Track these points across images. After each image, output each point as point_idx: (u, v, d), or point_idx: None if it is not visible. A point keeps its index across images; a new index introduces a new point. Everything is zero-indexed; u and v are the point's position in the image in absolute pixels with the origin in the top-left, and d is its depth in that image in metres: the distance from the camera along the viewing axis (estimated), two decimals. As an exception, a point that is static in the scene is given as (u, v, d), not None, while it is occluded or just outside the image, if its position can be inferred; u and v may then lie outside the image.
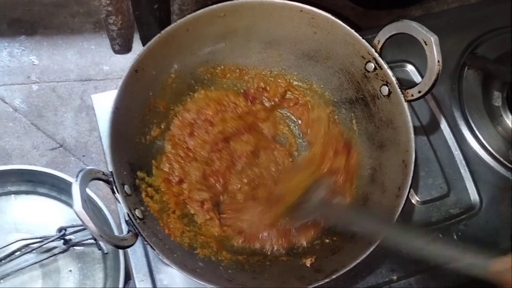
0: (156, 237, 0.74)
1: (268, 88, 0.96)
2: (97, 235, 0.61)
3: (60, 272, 1.27)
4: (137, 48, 0.83)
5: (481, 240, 0.93)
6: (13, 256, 1.24)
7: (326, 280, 0.71)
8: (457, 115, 1.02)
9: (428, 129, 1.01)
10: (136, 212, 0.72)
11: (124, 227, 0.71)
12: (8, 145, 1.77)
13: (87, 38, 1.94)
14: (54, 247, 1.27)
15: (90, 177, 0.67)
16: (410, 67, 1.05)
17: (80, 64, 1.90)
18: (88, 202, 1.19)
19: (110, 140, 0.74)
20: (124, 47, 0.86)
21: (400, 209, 0.74)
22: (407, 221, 0.92)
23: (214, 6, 0.82)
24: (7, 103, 1.83)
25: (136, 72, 0.79)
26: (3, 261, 1.23)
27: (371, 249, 0.71)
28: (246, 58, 0.94)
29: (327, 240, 0.83)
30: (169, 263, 0.69)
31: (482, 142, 1.00)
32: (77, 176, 0.64)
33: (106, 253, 1.28)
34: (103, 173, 0.70)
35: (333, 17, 0.83)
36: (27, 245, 1.25)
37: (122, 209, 0.71)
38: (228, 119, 0.93)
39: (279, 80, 0.96)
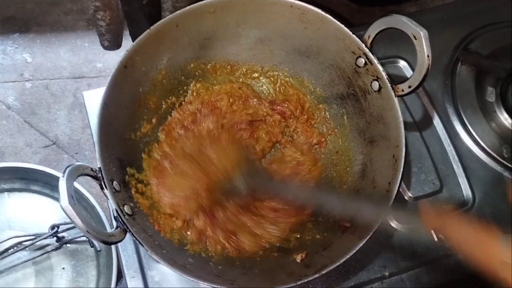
0: (145, 233, 0.73)
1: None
2: (84, 230, 0.61)
3: (53, 269, 1.27)
4: (127, 44, 0.83)
5: (473, 235, 0.93)
6: (6, 254, 1.24)
7: (316, 276, 0.71)
8: (450, 111, 1.02)
9: (420, 124, 1.00)
10: (125, 208, 0.72)
11: (115, 223, 0.71)
12: (1, 142, 1.77)
13: (80, 35, 1.94)
14: (47, 245, 1.27)
15: (77, 173, 0.66)
16: (402, 63, 1.04)
17: (73, 61, 1.90)
18: (79, 199, 1.18)
19: (99, 136, 0.73)
20: (113, 43, 0.85)
21: (390, 204, 0.73)
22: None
23: (204, 1, 0.82)
24: (0, 101, 1.82)
25: (125, 68, 0.78)
26: (-4, 258, 1.23)
27: (361, 244, 0.71)
28: (237, 54, 0.94)
29: (318, 236, 0.83)
30: (158, 259, 0.69)
31: (475, 138, 1.00)
32: (64, 172, 0.63)
33: (99, 251, 1.28)
34: (91, 169, 0.70)
35: (323, 12, 0.82)
36: (20, 243, 1.25)
37: (112, 205, 0.70)
38: (237, 110, 0.94)
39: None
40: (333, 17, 0.82)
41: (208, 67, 0.94)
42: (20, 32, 1.94)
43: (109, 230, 1.19)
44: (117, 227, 0.69)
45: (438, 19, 1.10)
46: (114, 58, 1.89)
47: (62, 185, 0.61)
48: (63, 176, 0.62)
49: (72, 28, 1.95)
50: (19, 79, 1.86)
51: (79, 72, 1.89)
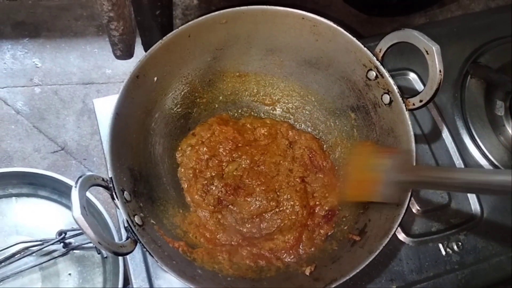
0: (155, 244, 0.73)
1: None
2: (96, 242, 0.61)
3: (60, 275, 1.27)
4: (140, 53, 0.83)
5: (481, 250, 0.92)
6: (13, 259, 1.24)
7: (324, 289, 0.71)
8: (459, 124, 1.02)
9: (430, 137, 1.00)
10: (135, 219, 0.72)
11: (124, 233, 0.71)
12: (9, 147, 1.77)
13: (90, 41, 1.94)
14: (54, 250, 1.27)
15: (89, 183, 0.67)
16: (412, 75, 1.05)
17: (83, 67, 1.90)
18: (88, 207, 1.18)
19: (110, 146, 0.73)
20: (125, 53, 0.86)
21: (400, 218, 0.73)
22: (407, 231, 0.92)
23: (216, 12, 0.82)
24: (9, 105, 1.83)
25: (137, 78, 0.79)
26: (3, 263, 1.23)
27: (371, 258, 0.71)
28: (247, 64, 0.94)
29: (327, 249, 0.83)
30: (168, 270, 0.69)
31: (484, 151, 1.00)
32: (76, 182, 0.64)
33: (106, 257, 1.28)
34: (103, 179, 0.70)
35: (335, 25, 0.83)
36: (27, 248, 1.25)
37: (122, 215, 0.71)
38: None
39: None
40: (344, 29, 0.83)
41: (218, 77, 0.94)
42: (30, 37, 1.95)
43: (116, 237, 1.21)
44: (127, 238, 0.69)
45: (448, 32, 1.10)
46: (123, 65, 1.89)
47: (75, 195, 0.61)
48: (75, 187, 0.63)
49: (82, 34, 1.95)
50: (28, 84, 1.87)
51: (89, 78, 1.89)
